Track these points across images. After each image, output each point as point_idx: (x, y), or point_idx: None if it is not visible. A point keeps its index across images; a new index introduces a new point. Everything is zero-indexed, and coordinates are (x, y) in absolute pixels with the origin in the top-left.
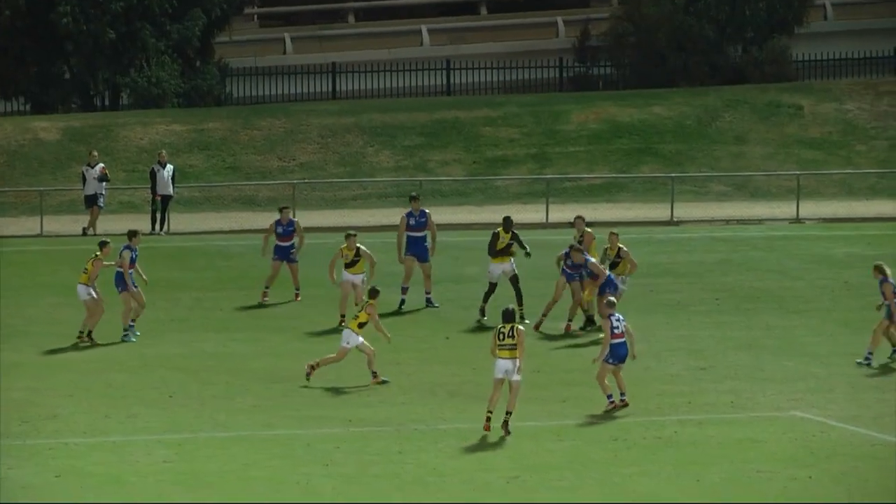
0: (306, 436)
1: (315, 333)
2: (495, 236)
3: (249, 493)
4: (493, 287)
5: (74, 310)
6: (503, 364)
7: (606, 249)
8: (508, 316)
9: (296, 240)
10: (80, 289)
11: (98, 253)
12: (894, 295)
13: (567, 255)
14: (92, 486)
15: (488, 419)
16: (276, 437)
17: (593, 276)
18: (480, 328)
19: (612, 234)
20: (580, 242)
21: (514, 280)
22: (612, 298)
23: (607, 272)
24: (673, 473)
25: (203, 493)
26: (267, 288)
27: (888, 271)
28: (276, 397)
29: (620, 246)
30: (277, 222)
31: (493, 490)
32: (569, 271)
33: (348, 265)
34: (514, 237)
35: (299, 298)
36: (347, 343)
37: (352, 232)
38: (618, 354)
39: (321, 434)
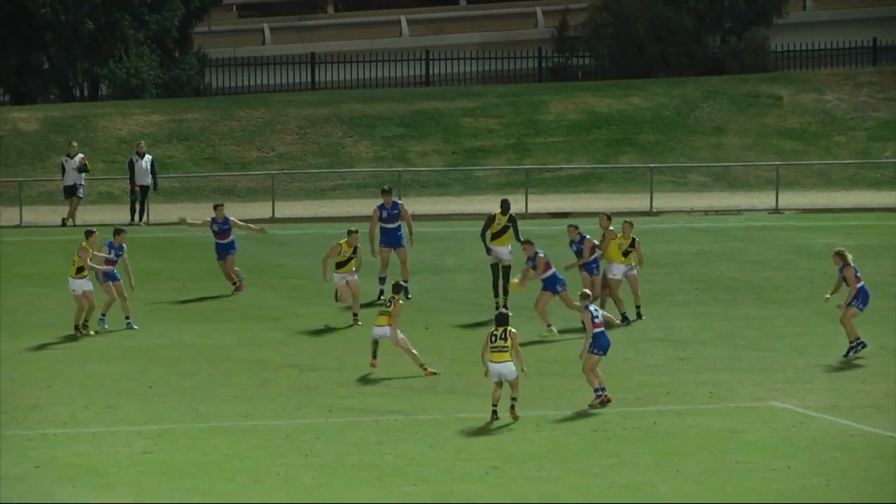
0: (286, 426)
1: (295, 324)
2: (491, 218)
3: (229, 483)
4: (495, 270)
5: (54, 300)
6: (497, 368)
7: (618, 237)
8: (502, 319)
9: (233, 236)
10: (71, 282)
11: (84, 243)
12: (857, 279)
13: (578, 252)
14: (71, 477)
15: (494, 412)
16: (256, 427)
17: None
18: (461, 322)
19: (626, 222)
20: (602, 239)
21: (506, 270)
22: (587, 290)
23: (552, 270)
24: (652, 464)
25: (183, 483)
26: (234, 284)
27: (849, 257)
28: (255, 388)
29: (634, 237)
30: (213, 220)
31: (472, 480)
32: (590, 265)
33: (340, 263)
34: (512, 221)
35: (244, 287)
36: (379, 338)
37: (353, 229)
38: (602, 344)
39: (301, 425)
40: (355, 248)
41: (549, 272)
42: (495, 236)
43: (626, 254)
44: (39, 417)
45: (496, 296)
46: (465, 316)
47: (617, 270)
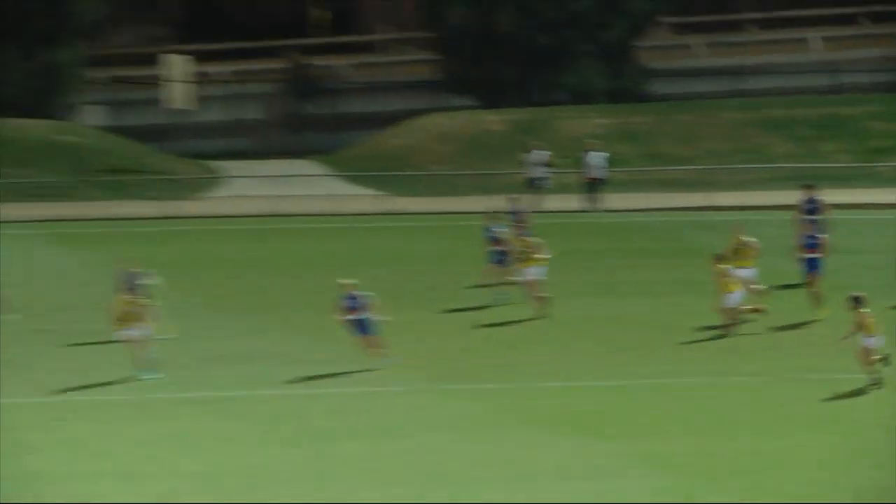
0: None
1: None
2: None
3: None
4: None
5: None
6: (880, 341)
7: None
8: (860, 300)
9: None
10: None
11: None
12: None
13: None
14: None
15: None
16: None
17: None
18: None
19: None
20: None
21: None
22: (860, 294)
23: None
24: None
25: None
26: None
27: None
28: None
29: None
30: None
31: None
32: None
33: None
34: None
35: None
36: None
37: (738, 220)
38: None
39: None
40: (742, 241)
41: None
42: None
43: None
44: (511, 373)
45: None
46: (879, 294)
47: None
